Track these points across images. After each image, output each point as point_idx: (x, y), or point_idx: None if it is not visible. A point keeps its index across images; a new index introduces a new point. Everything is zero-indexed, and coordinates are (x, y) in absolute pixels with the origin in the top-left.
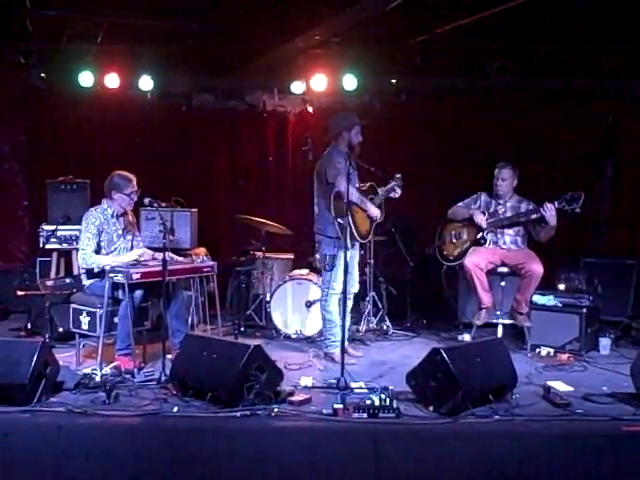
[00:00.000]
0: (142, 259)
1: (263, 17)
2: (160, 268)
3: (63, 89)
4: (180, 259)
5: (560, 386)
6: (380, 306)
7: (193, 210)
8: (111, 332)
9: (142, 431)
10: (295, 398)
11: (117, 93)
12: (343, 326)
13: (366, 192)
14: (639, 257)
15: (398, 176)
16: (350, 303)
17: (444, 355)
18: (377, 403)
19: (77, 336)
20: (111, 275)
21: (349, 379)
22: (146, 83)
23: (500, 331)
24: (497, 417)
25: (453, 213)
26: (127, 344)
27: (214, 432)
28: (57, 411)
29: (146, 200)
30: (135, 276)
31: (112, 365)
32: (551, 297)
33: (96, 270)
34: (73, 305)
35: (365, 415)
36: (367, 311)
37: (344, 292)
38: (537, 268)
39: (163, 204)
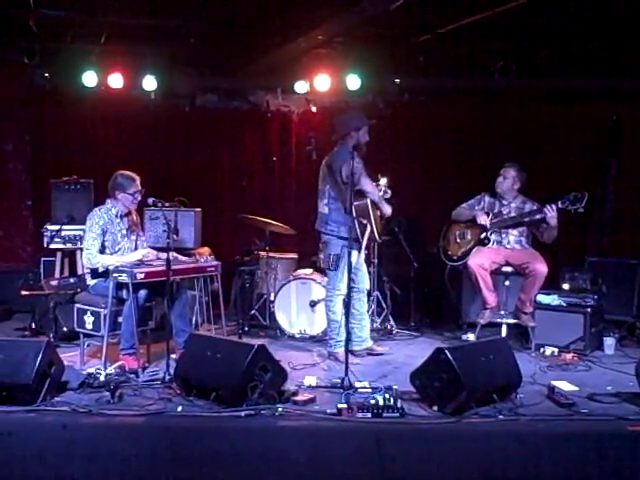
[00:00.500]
0: (146, 259)
1: (266, 17)
2: (164, 268)
3: (67, 89)
4: (184, 259)
5: (564, 386)
6: (384, 306)
7: (197, 210)
8: (115, 332)
9: (146, 430)
10: (299, 398)
11: (121, 93)
12: (347, 325)
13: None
14: None
15: (384, 182)
16: (365, 299)
17: (448, 355)
18: (381, 403)
19: (81, 336)
20: (115, 275)
21: (353, 379)
22: (150, 83)
23: (504, 331)
24: (501, 417)
25: (457, 214)
26: (131, 344)
27: (218, 432)
28: (61, 410)
29: (150, 200)
30: (139, 276)
31: (116, 365)
32: (555, 297)
33: (101, 270)
34: (77, 305)
35: (369, 415)
36: (371, 311)
37: (347, 293)
38: (541, 268)
39: (167, 204)
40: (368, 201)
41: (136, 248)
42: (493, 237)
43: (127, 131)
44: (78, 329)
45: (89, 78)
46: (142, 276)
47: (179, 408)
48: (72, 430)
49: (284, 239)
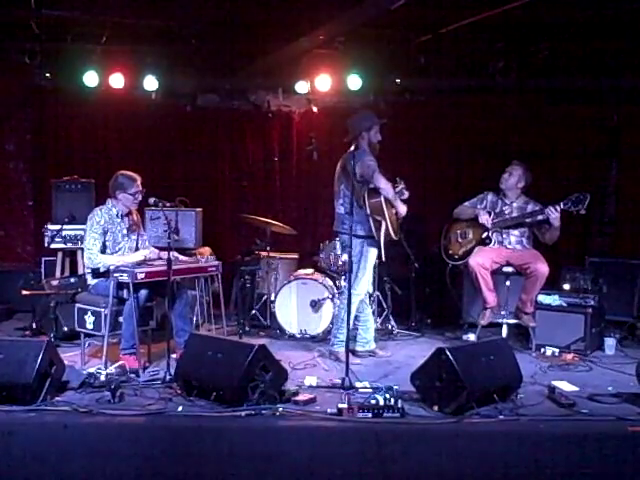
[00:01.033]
0: (148, 259)
1: (267, 17)
2: (165, 268)
3: (68, 89)
4: (185, 259)
5: (565, 386)
6: (385, 306)
7: (198, 210)
8: (116, 331)
9: (147, 430)
10: (300, 398)
11: (122, 93)
12: (348, 325)
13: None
14: None
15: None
16: (368, 300)
17: (449, 355)
18: (381, 403)
19: (82, 335)
20: (116, 275)
21: (354, 379)
22: (151, 83)
23: (505, 331)
24: (502, 417)
25: (459, 212)
26: (132, 343)
27: (219, 431)
28: (62, 410)
29: (151, 200)
30: (140, 276)
31: (117, 364)
32: (556, 297)
33: (102, 270)
34: (78, 305)
35: (369, 415)
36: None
37: (349, 292)
38: (542, 268)
39: (168, 204)
40: (382, 198)
41: (137, 248)
42: (495, 237)
43: (128, 131)
44: (79, 329)
45: (90, 78)
46: (143, 276)
47: (179, 408)
48: (73, 430)
49: (285, 239)
